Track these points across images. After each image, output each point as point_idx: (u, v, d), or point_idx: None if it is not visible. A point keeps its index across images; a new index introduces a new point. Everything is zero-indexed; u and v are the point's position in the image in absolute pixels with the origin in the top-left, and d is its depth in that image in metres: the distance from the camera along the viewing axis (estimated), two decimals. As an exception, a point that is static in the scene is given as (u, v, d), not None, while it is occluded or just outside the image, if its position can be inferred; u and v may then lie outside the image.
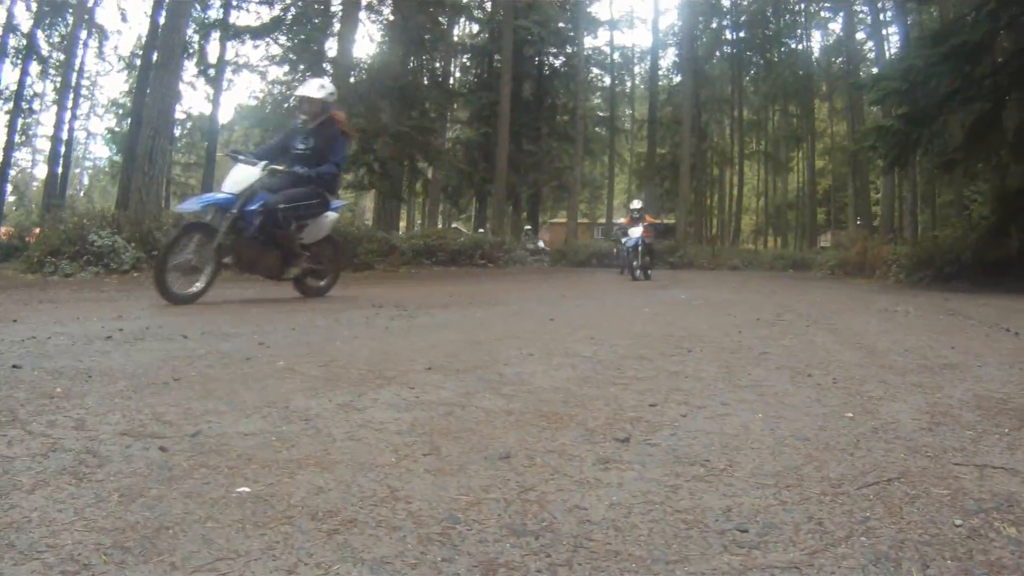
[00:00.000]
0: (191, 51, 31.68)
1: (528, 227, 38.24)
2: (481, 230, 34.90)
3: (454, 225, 53.02)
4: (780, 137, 57.52)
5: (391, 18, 34.41)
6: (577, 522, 1.68)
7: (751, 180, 64.98)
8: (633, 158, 58.98)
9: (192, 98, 61.60)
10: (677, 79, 55.11)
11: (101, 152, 68.33)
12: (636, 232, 20.37)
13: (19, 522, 1.57)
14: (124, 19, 78.73)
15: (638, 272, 19.72)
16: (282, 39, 32.34)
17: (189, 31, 23.66)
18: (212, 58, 35.14)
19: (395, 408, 2.78)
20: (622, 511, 1.75)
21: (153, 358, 3.92)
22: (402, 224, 47.62)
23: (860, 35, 49.18)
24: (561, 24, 41.62)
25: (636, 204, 22.77)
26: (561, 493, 1.87)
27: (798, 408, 2.94)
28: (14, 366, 3.54)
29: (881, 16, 41.03)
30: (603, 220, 60.35)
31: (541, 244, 34.35)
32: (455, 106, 42.14)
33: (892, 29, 41.10)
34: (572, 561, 1.47)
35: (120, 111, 49.91)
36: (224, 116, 40.26)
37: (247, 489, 1.82)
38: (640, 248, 20.23)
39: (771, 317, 7.36)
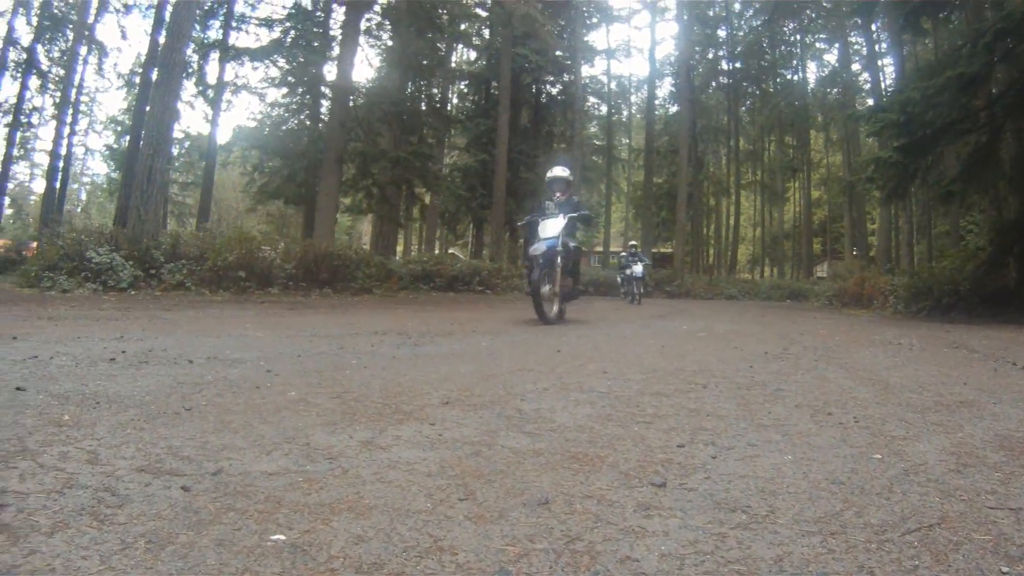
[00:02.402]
0: (190, 71, 31.70)
1: (633, 243, 38.65)
2: (478, 259, 34.90)
3: (451, 251, 53.06)
4: (776, 167, 57.73)
5: (390, 43, 34.53)
6: (631, 575, 1.60)
7: (747, 210, 65.18)
8: (630, 187, 59.09)
9: (190, 118, 61.46)
10: (674, 109, 55.45)
11: (99, 168, 68.63)
12: (638, 269, 26.54)
13: (42, 571, 1.47)
14: (124, 36, 79.23)
15: (636, 299, 25.87)
16: (281, 61, 32.42)
17: (188, 51, 23.60)
18: (211, 78, 35.15)
19: (419, 447, 2.68)
20: (674, 562, 1.68)
21: (160, 384, 3.84)
22: (399, 249, 47.59)
23: (855, 66, 49.50)
24: (559, 53, 41.68)
25: (633, 243, 30.62)
26: (609, 543, 1.78)
27: (825, 449, 2.88)
28: (18, 388, 3.46)
29: (876, 47, 41.26)
30: (600, 248, 60.50)
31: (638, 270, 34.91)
32: (453, 132, 42.22)
33: (887, 60, 41.43)
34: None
35: (119, 128, 50.06)
36: (222, 136, 40.15)
37: (282, 537, 1.71)
38: (640, 280, 26.51)
39: (778, 350, 7.28)
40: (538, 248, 11.14)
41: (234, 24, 34.75)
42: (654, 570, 1.63)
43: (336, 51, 31.04)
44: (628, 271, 27.11)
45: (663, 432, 3.13)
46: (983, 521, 2.04)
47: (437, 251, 43.47)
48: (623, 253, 31.45)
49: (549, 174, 12.66)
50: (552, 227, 11.30)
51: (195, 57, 32.96)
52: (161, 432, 2.68)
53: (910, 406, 4.03)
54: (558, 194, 12.06)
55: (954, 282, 18.57)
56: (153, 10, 32.53)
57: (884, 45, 40.88)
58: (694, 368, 5.52)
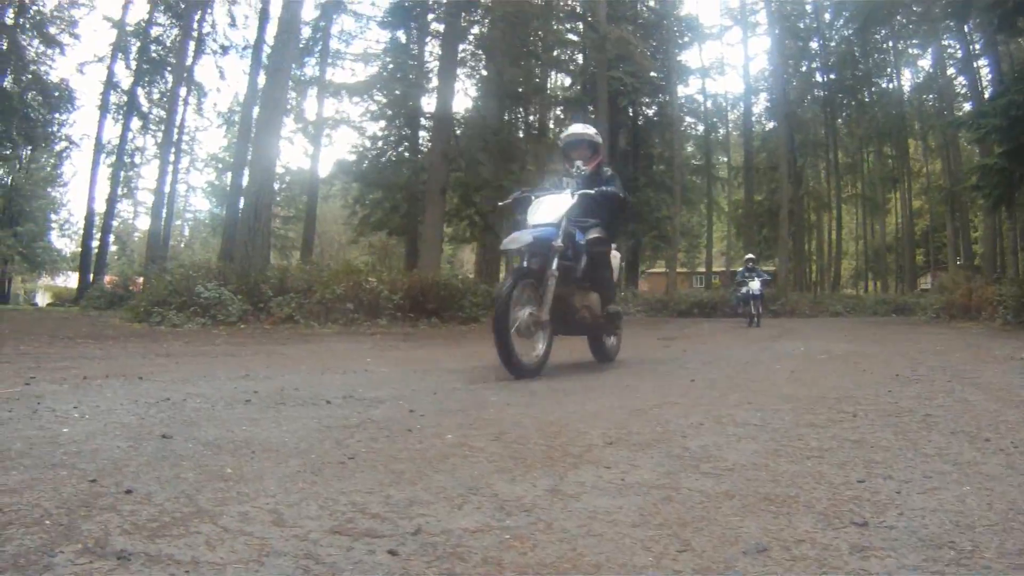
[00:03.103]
0: (289, 107, 32.29)
1: (750, 256, 38.21)
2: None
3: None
4: (876, 179, 56.82)
5: (485, 73, 34.75)
6: None
7: (848, 223, 64.26)
8: (730, 205, 58.70)
9: (291, 153, 62.92)
10: (770, 124, 54.98)
11: (201, 204, 70.02)
12: (756, 285, 23.62)
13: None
14: (222, 77, 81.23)
15: (755, 320, 22.94)
16: (379, 95, 32.83)
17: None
18: (310, 114, 35.80)
19: (608, 494, 2.56)
20: None
21: (307, 428, 3.78)
22: (501, 276, 47.91)
23: (950, 71, 48.58)
24: (653, 74, 41.67)
25: (750, 256, 26.27)
26: None
27: (999, 479, 2.78)
28: (164, 436, 3.40)
29: (971, 49, 40.38)
30: (703, 269, 60.21)
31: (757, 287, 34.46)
32: (554, 158, 42.31)
33: (982, 62, 40.45)
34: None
35: (219, 165, 51.28)
36: (323, 170, 40.82)
37: (519, 605, 1.60)
38: (759, 299, 23.71)
39: (907, 372, 7.07)
40: (519, 239, 6.92)
41: (330, 60, 35.43)
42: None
43: (433, 83, 31.40)
44: (745, 289, 24.12)
45: (837, 467, 3.04)
46: None
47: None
48: (739, 269, 27.91)
49: (564, 135, 8.61)
50: (550, 207, 7.17)
51: (293, 94, 33.57)
52: (335, 486, 2.57)
53: None
54: (579, 163, 8.07)
55: (1066, 289, 18.12)
56: (250, 50, 33.29)
57: (978, 47, 39.98)
58: (835, 395, 5.34)
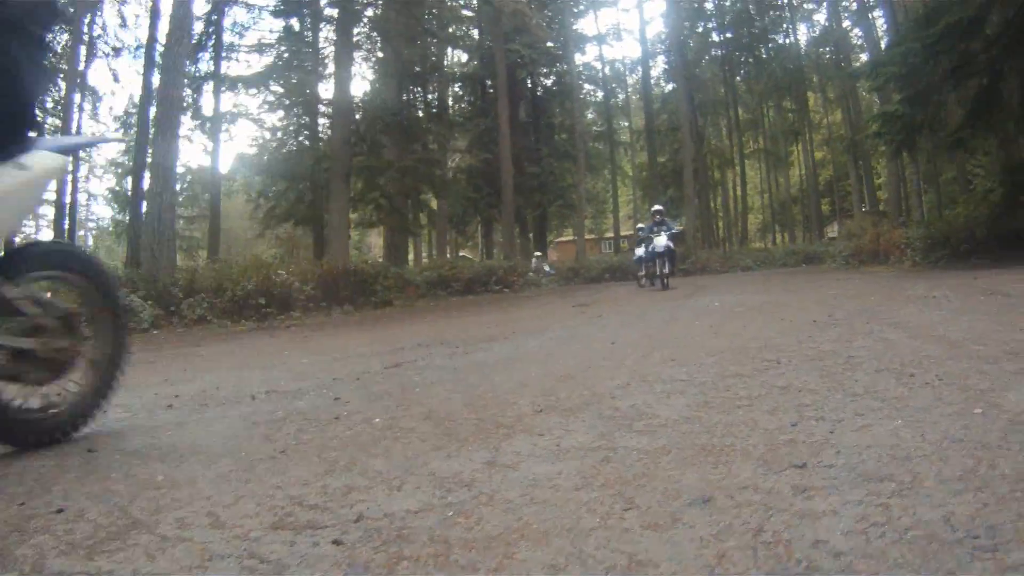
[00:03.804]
0: (185, 105, 31.70)
1: (537, 253, 37.88)
2: (490, 259, 34.97)
3: (461, 254, 53.08)
4: (778, 133, 57.62)
5: (381, 54, 34.52)
6: (832, 556, 1.62)
7: (753, 179, 65.12)
8: (634, 169, 59.03)
9: (191, 151, 61.38)
10: (670, 87, 55.28)
11: (103, 212, 68.27)
12: (662, 241, 19.47)
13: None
14: (116, 80, 79.19)
15: (663, 282, 19.34)
16: (275, 85, 32.45)
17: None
18: (207, 110, 35.17)
19: (546, 460, 2.58)
20: (860, 538, 1.71)
21: (234, 427, 3.73)
22: (410, 258, 47.66)
23: (846, 23, 49.39)
24: (550, 44, 41.70)
25: (658, 207, 22.07)
26: (792, 530, 1.78)
27: (928, 410, 2.90)
28: (89, 451, 3.29)
29: (866, 0, 41.11)
30: (611, 235, 60.56)
31: (547, 268, 34.13)
32: (455, 136, 42.20)
33: (878, 13, 41.19)
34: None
35: (119, 170, 50.10)
36: (224, 166, 40.22)
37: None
38: (665, 256, 19.67)
39: (824, 317, 7.26)
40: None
41: (224, 54, 34.83)
42: (847, 547, 1.66)
43: (330, 69, 31.11)
44: (650, 246, 20.32)
45: (768, 413, 3.11)
46: None
47: (448, 255, 43.50)
48: (643, 225, 24.59)
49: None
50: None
51: (188, 91, 32.97)
52: (270, 481, 2.53)
53: (982, 358, 4.06)
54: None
55: (969, 228, 18.64)
56: (143, 50, 32.60)
57: (872, -1, 40.81)
58: (756, 345, 5.47)
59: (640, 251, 22.50)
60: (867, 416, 2.87)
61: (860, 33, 45.75)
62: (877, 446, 2.42)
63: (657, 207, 22.26)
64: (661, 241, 19.57)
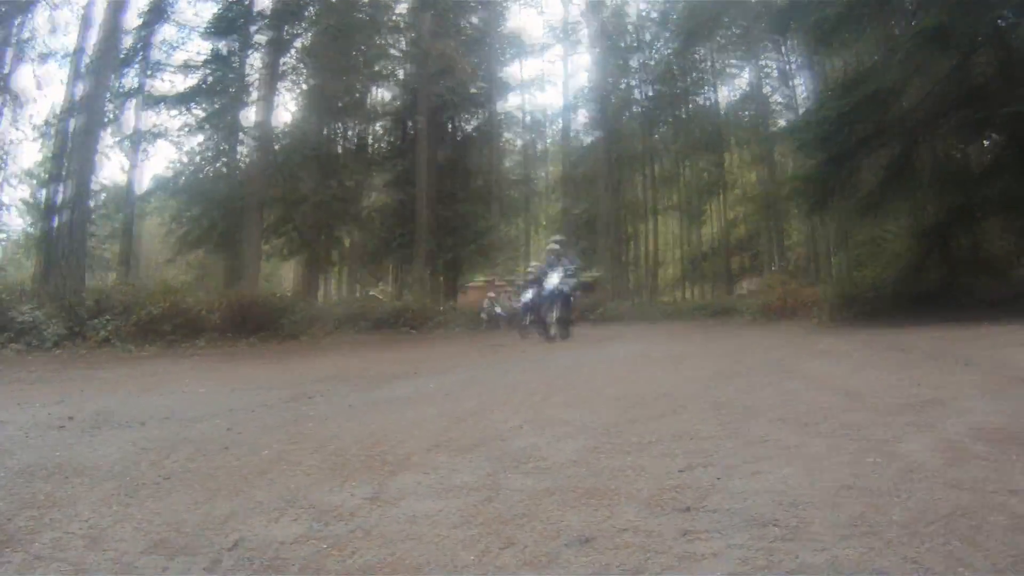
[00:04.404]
0: (107, 120, 31.16)
1: (491, 294, 36.11)
2: (399, 300, 34.69)
3: (371, 292, 52.73)
4: (694, 190, 58.45)
5: (306, 85, 34.39)
6: None
7: (667, 233, 65.84)
8: (549, 218, 59.34)
9: (108, 168, 60.14)
10: (590, 139, 55.78)
11: (15, 223, 66.48)
12: (553, 281, 15.59)
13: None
14: (40, 87, 77.60)
15: (553, 331, 15.44)
16: (198, 108, 32.11)
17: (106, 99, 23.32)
18: (128, 127, 34.59)
19: (429, 498, 2.61)
20: None
21: (123, 451, 3.69)
22: (319, 293, 47.27)
23: (767, 89, 50.50)
24: (474, 89, 41.86)
25: (554, 242, 17.70)
26: (671, 571, 1.85)
27: (820, 459, 2.98)
28: (-26, 467, 3.24)
29: (789, 67, 42.16)
30: (522, 282, 60.53)
31: (499, 310, 32.89)
32: (373, 173, 42.08)
33: (799, 79, 42.29)
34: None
35: (35, 181, 48.94)
36: (141, 186, 39.46)
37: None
38: (557, 300, 16.12)
39: (728, 369, 7.37)
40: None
41: (150, 72, 34.36)
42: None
43: (254, 95, 30.88)
44: (541, 288, 16.87)
45: (657, 459, 3.16)
46: (994, 506, 2.21)
47: (358, 293, 43.20)
48: (532, 264, 22.46)
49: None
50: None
51: (111, 106, 32.45)
52: (150, 506, 2.54)
53: (879, 410, 4.17)
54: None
55: (877, 288, 19.07)
56: (69, 59, 32.04)
57: (795, 65, 41.86)
58: (655, 393, 5.53)
59: (528, 295, 18.47)
60: (759, 463, 2.93)
61: (780, 99, 46.82)
62: (766, 492, 2.47)
63: (553, 242, 17.95)
64: (553, 281, 15.81)
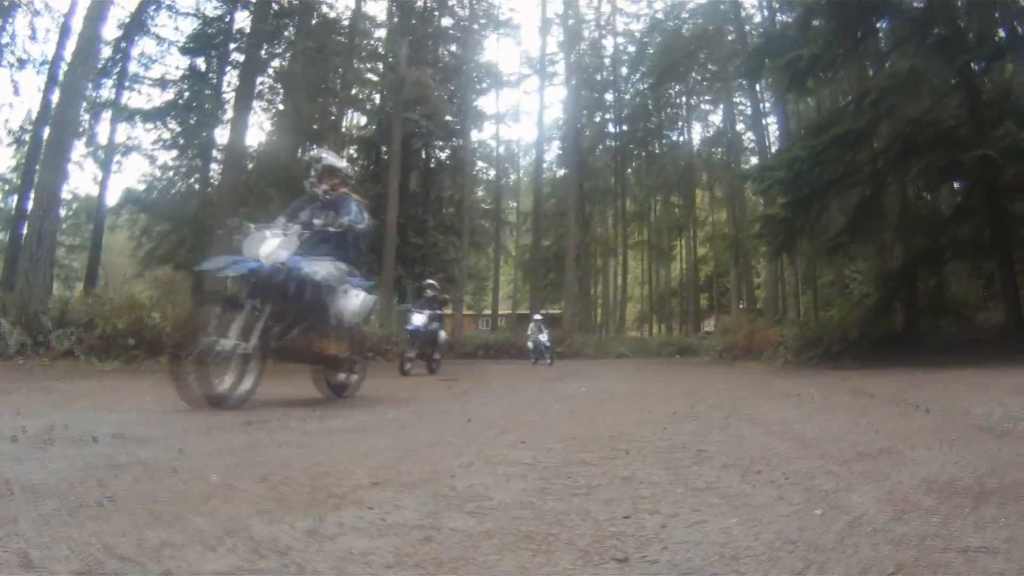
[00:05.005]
0: (81, 130, 31.02)
1: (537, 316, 34.69)
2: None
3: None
4: (663, 226, 58.88)
5: (281, 107, 34.40)
6: None
7: (634, 269, 66.22)
8: (518, 250, 59.54)
9: (79, 179, 59.99)
10: (561, 172, 56.11)
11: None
12: (544, 337, 18.12)
13: None
14: (16, 92, 77.02)
15: (549, 360, 16.77)
16: (173, 123, 32.04)
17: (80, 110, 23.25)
18: (102, 138, 34.42)
19: (367, 534, 2.60)
20: None
21: (72, 468, 3.66)
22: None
23: (740, 127, 51.07)
24: (449, 118, 41.98)
25: (538, 316, 21.87)
26: None
27: (766, 509, 2.95)
28: (-82, 480, 3.22)
29: (761, 107, 42.59)
30: (488, 311, 60.71)
31: (543, 339, 31.32)
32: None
33: (771, 120, 42.76)
34: None
35: (6, 187, 48.53)
36: (111, 199, 39.20)
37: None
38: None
39: (685, 409, 7.37)
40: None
41: (127, 84, 34.25)
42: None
43: (229, 114, 30.86)
44: (538, 340, 24.78)
45: (604, 503, 3.14)
46: (937, 564, 2.16)
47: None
48: (533, 321, 27.40)
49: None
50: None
51: (86, 116, 32.31)
52: (89, 527, 2.53)
53: (832, 458, 4.15)
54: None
55: (842, 329, 19.27)
56: (47, 66, 31.89)
57: (768, 105, 42.34)
58: (610, 434, 5.52)
59: (533, 341, 23.88)
60: (703, 512, 2.92)
61: (752, 137, 47.34)
62: (707, 543, 2.46)
63: (538, 316, 20.74)
64: (543, 338, 18.17)
